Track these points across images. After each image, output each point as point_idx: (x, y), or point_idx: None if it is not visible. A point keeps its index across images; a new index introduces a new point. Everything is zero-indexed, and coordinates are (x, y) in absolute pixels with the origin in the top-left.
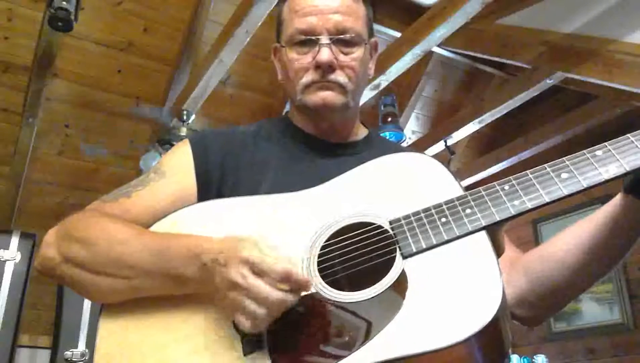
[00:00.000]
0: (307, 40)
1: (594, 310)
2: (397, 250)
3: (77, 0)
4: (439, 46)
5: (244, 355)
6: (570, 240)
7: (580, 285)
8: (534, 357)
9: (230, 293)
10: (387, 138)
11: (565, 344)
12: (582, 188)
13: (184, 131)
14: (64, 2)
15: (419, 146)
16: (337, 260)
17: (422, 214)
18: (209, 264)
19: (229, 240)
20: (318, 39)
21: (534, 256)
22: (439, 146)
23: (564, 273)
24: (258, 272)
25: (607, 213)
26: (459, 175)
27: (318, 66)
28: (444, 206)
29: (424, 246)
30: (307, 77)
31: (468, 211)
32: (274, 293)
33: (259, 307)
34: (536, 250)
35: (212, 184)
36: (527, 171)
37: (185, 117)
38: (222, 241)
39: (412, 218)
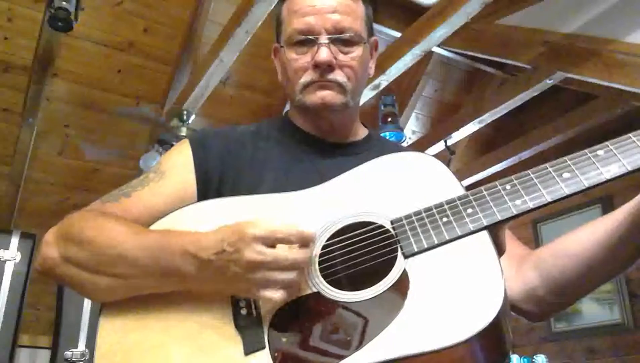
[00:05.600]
0: (306, 40)
1: (594, 310)
2: (399, 249)
3: (77, 0)
4: (439, 45)
5: (245, 354)
6: (585, 236)
7: (592, 282)
8: (534, 357)
9: (252, 274)
10: (387, 138)
11: (565, 344)
12: (584, 187)
13: (184, 131)
14: (64, 2)
15: (419, 146)
16: (338, 260)
17: (424, 214)
18: (214, 259)
19: (224, 229)
20: (317, 38)
21: (546, 251)
22: (439, 146)
23: (577, 269)
24: (272, 243)
25: (626, 214)
26: (459, 175)
27: (317, 66)
28: (446, 206)
29: (426, 246)
30: (306, 77)
31: (469, 210)
32: (297, 255)
33: (288, 274)
34: (548, 245)
35: (211, 184)
36: (529, 171)
37: (185, 117)
38: (218, 232)
39: (414, 218)
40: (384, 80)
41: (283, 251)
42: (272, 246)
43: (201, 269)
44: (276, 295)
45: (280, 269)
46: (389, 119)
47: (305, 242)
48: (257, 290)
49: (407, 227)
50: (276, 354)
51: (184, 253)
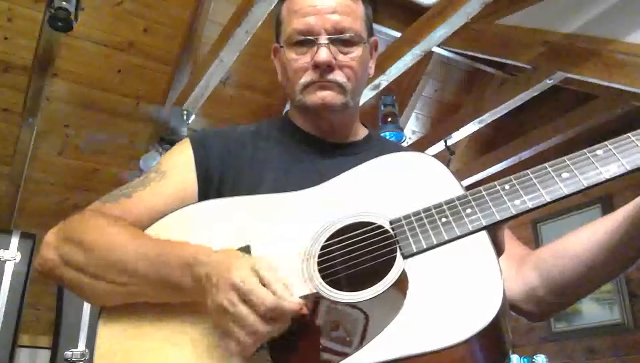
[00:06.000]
0: (306, 40)
1: (594, 310)
2: (398, 249)
3: (77, 0)
4: (439, 45)
5: None
6: (586, 237)
7: (592, 283)
8: (534, 357)
9: (218, 316)
10: (387, 138)
11: (565, 344)
12: (583, 187)
13: (184, 131)
14: (64, 2)
15: (419, 146)
16: (337, 260)
17: (423, 214)
18: (203, 279)
19: (225, 255)
20: (316, 39)
21: (546, 251)
22: (439, 146)
23: (577, 270)
24: (247, 301)
25: (627, 214)
26: (459, 175)
27: (317, 66)
28: (445, 206)
29: (425, 246)
30: (306, 77)
31: (469, 210)
32: (261, 326)
33: (246, 336)
34: (549, 245)
35: (212, 184)
36: (528, 171)
37: (185, 117)
38: (218, 255)
39: (413, 218)
40: (384, 80)
41: (252, 315)
42: (248, 303)
43: (194, 282)
44: (234, 348)
45: (239, 328)
46: (389, 119)
47: (275, 316)
48: (219, 331)
49: (406, 228)
50: (275, 355)
51: (182, 265)
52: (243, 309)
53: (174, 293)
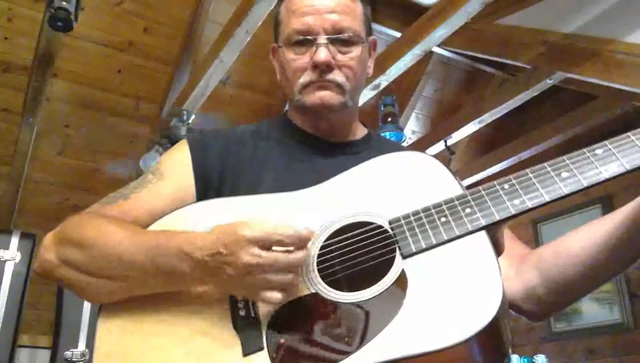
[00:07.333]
0: (305, 40)
1: (594, 310)
2: (397, 249)
3: (77, 0)
4: (439, 45)
5: (244, 355)
6: (586, 236)
7: (592, 282)
8: (534, 357)
9: (248, 277)
10: (387, 137)
11: (565, 344)
12: (583, 186)
13: (183, 131)
14: (64, 2)
15: (419, 146)
16: (336, 260)
17: (422, 214)
18: (209, 260)
19: (218, 229)
20: (315, 38)
21: (547, 251)
22: (439, 146)
23: (577, 269)
24: (268, 246)
25: (627, 213)
26: (459, 175)
27: (315, 66)
28: (444, 206)
29: (424, 246)
30: (305, 77)
31: (468, 210)
32: (293, 256)
33: (285, 275)
34: (549, 245)
35: (211, 184)
36: (527, 170)
37: (185, 117)
38: (213, 232)
39: (412, 218)
40: (384, 80)
41: (279, 254)
42: (268, 248)
43: (196, 269)
44: (274, 297)
45: (276, 271)
46: (389, 119)
47: (301, 243)
48: (254, 293)
49: (405, 227)
50: (275, 355)
51: (179, 252)
52: (271, 254)
53: (174, 282)
